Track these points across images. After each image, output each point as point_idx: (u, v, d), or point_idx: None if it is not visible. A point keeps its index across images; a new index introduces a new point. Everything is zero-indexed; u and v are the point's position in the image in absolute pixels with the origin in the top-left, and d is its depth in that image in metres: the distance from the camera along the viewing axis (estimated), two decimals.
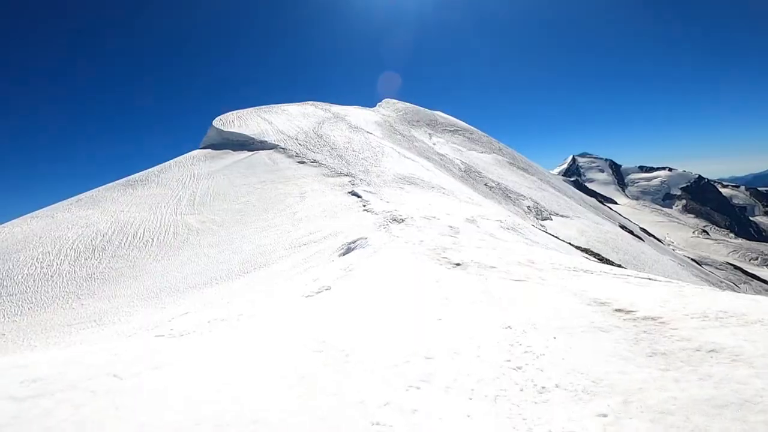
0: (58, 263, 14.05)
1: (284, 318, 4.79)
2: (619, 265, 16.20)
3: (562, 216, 28.74)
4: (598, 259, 15.39)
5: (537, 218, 26.12)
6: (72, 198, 20.41)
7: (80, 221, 17.02)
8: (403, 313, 4.65)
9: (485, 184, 29.17)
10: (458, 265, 6.34)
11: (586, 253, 15.75)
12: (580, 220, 29.37)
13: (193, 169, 21.91)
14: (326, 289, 5.53)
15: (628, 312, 4.03)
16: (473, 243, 7.75)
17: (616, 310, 4.12)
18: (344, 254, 7.80)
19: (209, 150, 25.63)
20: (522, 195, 29.88)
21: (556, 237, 18.16)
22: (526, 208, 27.18)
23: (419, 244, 7.67)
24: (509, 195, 28.85)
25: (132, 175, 22.07)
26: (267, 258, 10.06)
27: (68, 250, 14.76)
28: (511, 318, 4.32)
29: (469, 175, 30.17)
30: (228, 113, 31.74)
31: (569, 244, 17.20)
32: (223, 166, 22.02)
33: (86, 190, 21.35)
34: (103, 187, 21.51)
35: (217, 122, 29.08)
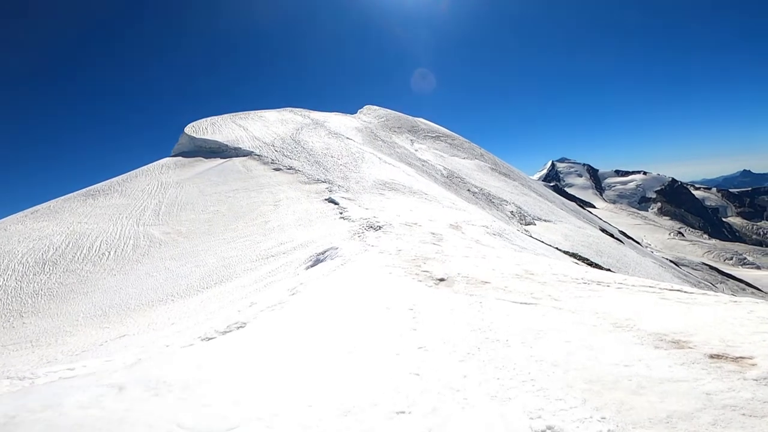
0: (4, 279, 12.81)
1: (110, 399, 2.43)
2: (608, 269, 15.77)
3: (545, 221, 28.45)
4: (587, 263, 14.90)
5: (521, 223, 25.71)
6: (28, 209, 19.01)
7: (33, 234, 15.73)
8: (334, 401, 2.54)
9: (468, 190, 28.69)
10: (442, 280, 5.10)
11: (575, 257, 15.26)
12: (563, 224, 29.16)
13: (161, 177, 20.66)
14: (239, 327, 3.91)
15: (737, 360, 2.58)
16: (459, 251, 6.81)
17: (714, 357, 2.67)
18: (312, 266, 6.90)
19: (179, 158, 24.39)
20: (505, 200, 29.51)
21: (542, 242, 17.65)
22: (509, 213, 26.77)
23: (396, 254, 6.66)
24: (492, 200, 28.43)
25: (94, 185, 20.70)
26: (231, 271, 9.09)
27: (16, 265, 13.55)
28: (547, 402, 2.38)
29: (451, 180, 29.66)
30: (201, 120, 30.54)
31: (556, 248, 16.69)
32: (194, 175, 20.85)
33: (45, 201, 19.96)
34: (62, 197, 20.12)
35: (189, 129, 27.84)
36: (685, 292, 4.00)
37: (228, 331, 3.85)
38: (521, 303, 4.15)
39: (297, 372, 2.98)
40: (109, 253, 12.92)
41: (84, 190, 20.42)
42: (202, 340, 3.56)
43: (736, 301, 3.63)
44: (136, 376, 2.68)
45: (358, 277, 5.48)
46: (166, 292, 8.87)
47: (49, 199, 19.81)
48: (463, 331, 3.63)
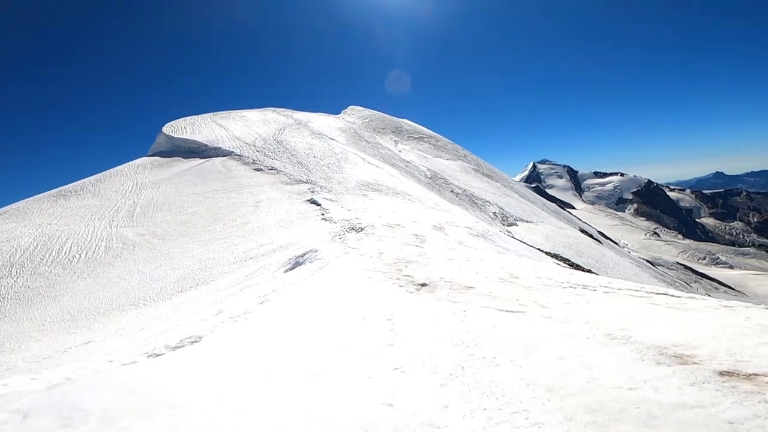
0: None
1: None
2: (589, 270, 15.96)
3: (527, 221, 28.75)
4: (569, 264, 15.05)
5: (503, 224, 25.90)
6: None
7: (0, 236, 15.03)
8: None
9: (451, 191, 28.77)
10: (424, 285, 4.84)
11: (556, 258, 15.40)
12: (545, 225, 29.52)
13: (136, 177, 20.04)
14: (193, 342, 3.46)
15: (751, 378, 2.36)
16: (442, 254, 6.67)
17: (724, 375, 2.43)
18: (291, 269, 6.69)
19: (157, 158, 23.74)
20: (488, 201, 29.70)
21: (524, 243, 17.77)
22: (492, 214, 26.95)
23: (378, 257, 6.43)
24: (475, 201, 28.58)
25: (66, 185, 19.94)
26: (207, 274, 8.78)
27: None
28: None
29: (435, 181, 29.69)
30: (180, 119, 29.83)
31: (538, 249, 16.83)
32: (171, 175, 20.28)
33: (14, 202, 19.12)
34: (32, 198, 19.34)
35: (168, 128, 27.14)
36: (672, 296, 3.86)
37: (179, 347, 3.45)
38: (507, 311, 3.89)
39: (247, 403, 2.55)
40: (80, 255, 12.41)
41: (55, 190, 19.66)
42: (148, 356, 3.19)
43: (727, 306, 3.51)
44: (51, 401, 2.34)
45: (335, 283, 5.19)
46: (138, 296, 8.51)
47: (19, 200, 19.03)
48: (446, 346, 3.28)
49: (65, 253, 12.68)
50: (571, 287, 4.36)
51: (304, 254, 7.17)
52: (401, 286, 5.00)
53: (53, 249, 13.22)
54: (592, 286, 4.42)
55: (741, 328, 3.02)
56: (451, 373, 2.82)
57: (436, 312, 4.03)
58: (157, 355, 3.29)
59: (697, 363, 2.58)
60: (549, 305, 3.91)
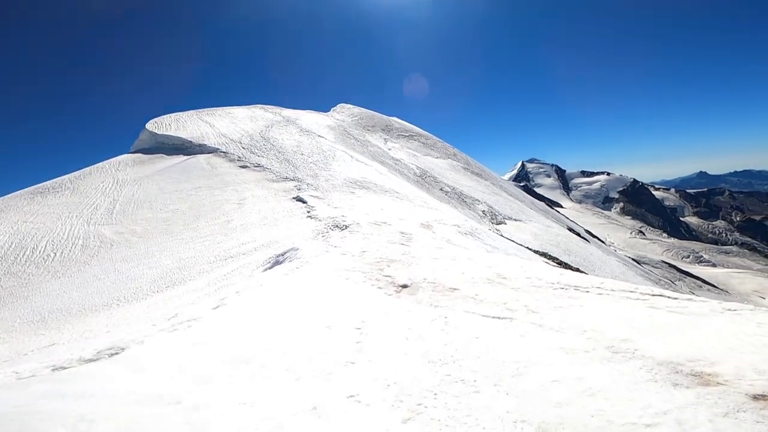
0: None
1: None
2: (577, 269, 15.95)
3: (515, 220, 28.79)
4: (557, 263, 15.00)
5: (492, 222, 25.88)
6: None
7: None
8: None
9: (440, 189, 28.66)
10: (405, 287, 4.48)
11: (545, 257, 15.36)
12: (533, 224, 29.59)
13: (117, 174, 19.49)
14: (112, 354, 2.90)
15: None
16: (428, 252, 6.42)
17: (759, 399, 2.00)
18: (269, 268, 6.42)
19: (139, 154, 23.16)
20: (477, 199, 29.67)
21: (512, 241, 17.71)
22: (481, 213, 26.91)
23: (360, 256, 6.15)
24: (464, 199, 28.52)
25: (43, 183, 19.31)
26: (186, 274, 8.45)
27: None
28: None
29: (424, 179, 29.54)
30: (165, 116, 29.20)
31: (527, 248, 16.78)
32: (154, 172, 19.77)
33: None
34: (8, 195, 18.70)
35: (151, 125, 26.51)
36: (669, 297, 3.57)
37: (93, 360, 2.89)
38: (494, 317, 3.45)
39: None
40: (55, 254, 11.94)
41: (32, 187, 19.05)
42: (53, 370, 2.67)
43: (731, 310, 3.16)
44: None
45: (307, 285, 4.78)
46: (112, 296, 8.15)
47: None
48: (418, 364, 2.76)
49: (40, 252, 12.21)
50: (563, 288, 4.09)
51: (285, 253, 6.90)
52: (380, 288, 4.64)
53: (27, 248, 12.72)
54: (585, 287, 4.13)
55: (758, 337, 2.64)
56: (419, 403, 2.31)
57: (414, 319, 3.60)
58: (64, 369, 2.74)
59: (722, 384, 2.11)
60: (540, 310, 3.54)
